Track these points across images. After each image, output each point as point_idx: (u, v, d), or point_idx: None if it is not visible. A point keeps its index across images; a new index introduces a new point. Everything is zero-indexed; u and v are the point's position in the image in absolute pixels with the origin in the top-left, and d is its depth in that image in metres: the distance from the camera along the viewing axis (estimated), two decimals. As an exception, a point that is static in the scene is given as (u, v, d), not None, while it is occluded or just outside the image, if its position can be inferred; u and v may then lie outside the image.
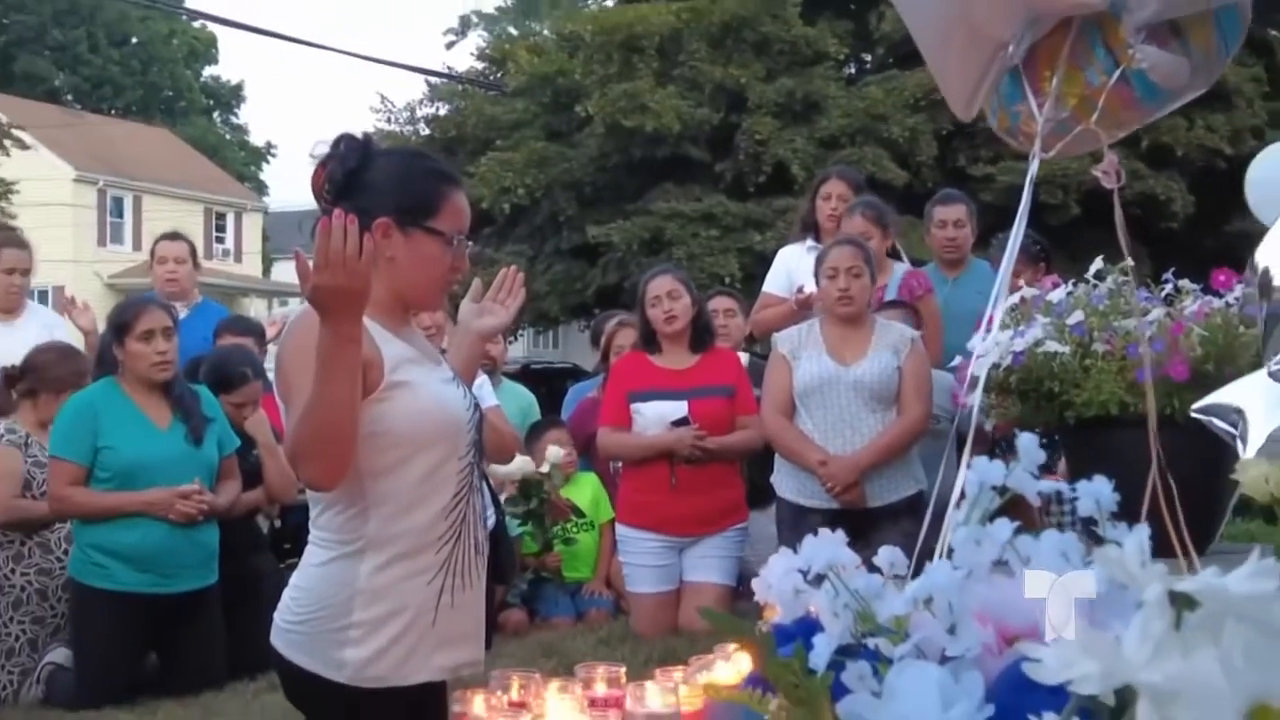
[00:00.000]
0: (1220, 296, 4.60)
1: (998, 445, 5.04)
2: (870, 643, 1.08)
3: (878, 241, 5.98)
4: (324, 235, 2.41)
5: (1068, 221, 14.53)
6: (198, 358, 5.85)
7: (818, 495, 5.05)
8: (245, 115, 53.72)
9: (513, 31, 33.89)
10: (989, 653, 1.03)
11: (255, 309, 29.08)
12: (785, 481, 5.33)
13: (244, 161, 48.94)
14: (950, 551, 1.11)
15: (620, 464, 5.95)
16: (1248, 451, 2.70)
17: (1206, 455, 3.37)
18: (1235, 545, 4.23)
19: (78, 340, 6.22)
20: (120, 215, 36.63)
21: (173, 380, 5.24)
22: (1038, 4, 2.44)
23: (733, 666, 2.01)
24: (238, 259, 38.81)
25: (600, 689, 1.90)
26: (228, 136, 50.08)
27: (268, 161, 51.73)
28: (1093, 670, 0.71)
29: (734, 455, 5.54)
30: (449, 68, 25.55)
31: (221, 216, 38.90)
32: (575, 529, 6.43)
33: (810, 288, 5.57)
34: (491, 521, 4.69)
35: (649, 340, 5.60)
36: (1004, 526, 1.11)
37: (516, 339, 20.18)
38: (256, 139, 52.44)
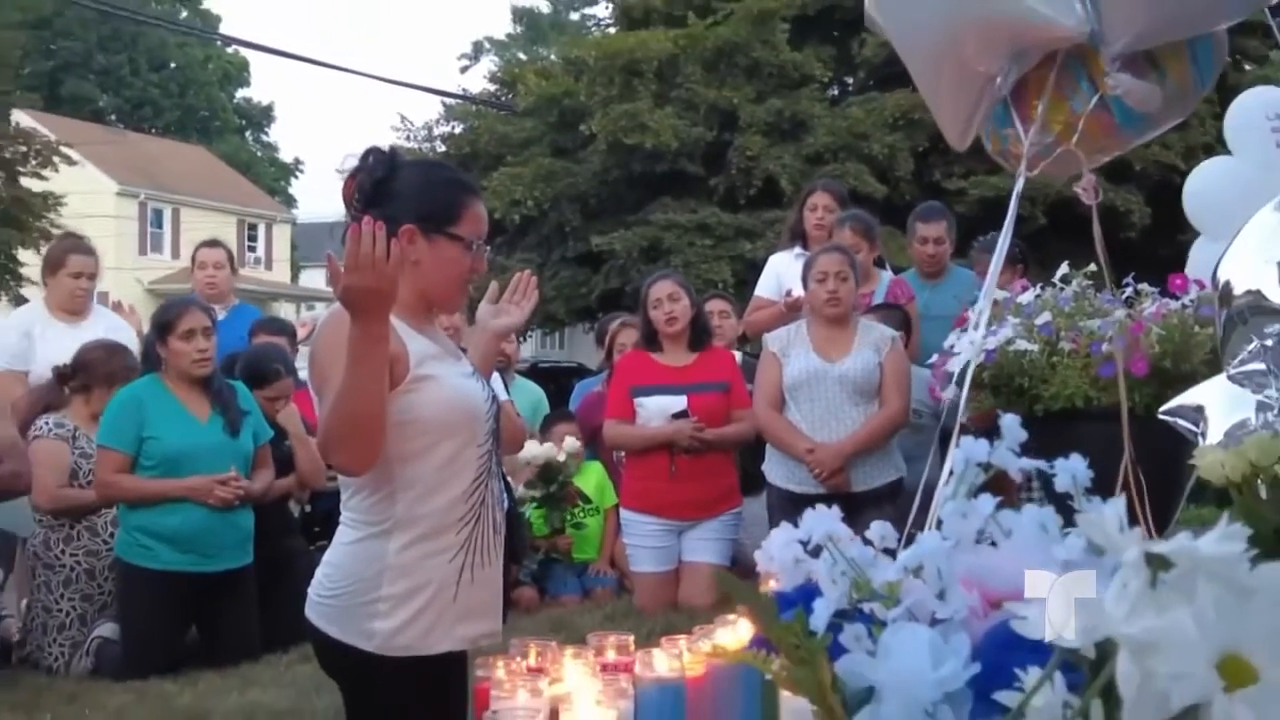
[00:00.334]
0: (1176, 299, 4.61)
1: (974, 436, 5.04)
2: (865, 607, 1.08)
3: (865, 253, 6.00)
4: (354, 240, 2.41)
5: (1035, 231, 14.53)
6: (234, 355, 5.86)
7: (806, 481, 5.06)
8: (275, 134, 53.89)
9: (522, 56, 33.86)
10: (975, 615, 1.03)
11: (284, 313, 28.99)
12: (776, 469, 5.35)
13: (274, 177, 48.91)
14: (939, 523, 1.11)
15: (624, 453, 5.95)
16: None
17: (1163, 445, 3.38)
18: (1189, 530, 4.23)
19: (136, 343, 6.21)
20: (160, 226, 36.60)
21: (211, 376, 5.24)
22: (1021, 39, 2.44)
23: (732, 635, 2.02)
24: (268, 267, 38.78)
25: (611, 655, 1.90)
26: (259, 153, 50.03)
27: (296, 177, 51.71)
28: (1074, 624, 0.72)
29: (729, 445, 5.55)
30: (463, 89, 25.53)
31: (253, 227, 38.88)
32: (582, 514, 6.45)
33: (798, 291, 5.58)
34: (505, 506, 4.71)
35: (650, 339, 5.62)
36: (987, 501, 1.12)
37: (526, 340, 20.15)
38: (285, 156, 52.45)
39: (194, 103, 46.69)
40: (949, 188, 15.42)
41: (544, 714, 1.62)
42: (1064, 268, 4.82)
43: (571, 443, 6.30)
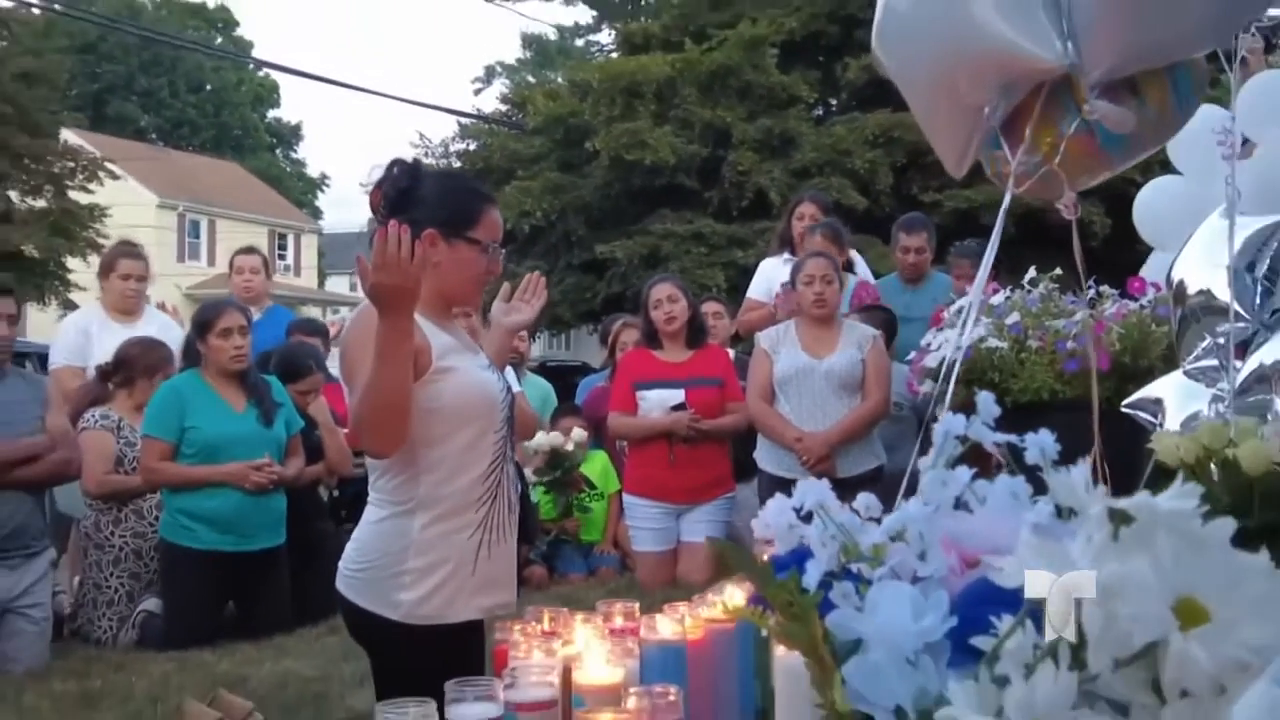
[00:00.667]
0: (1135, 300, 4.63)
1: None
2: (853, 568, 1.09)
3: (835, 256, 6.02)
4: (381, 242, 2.43)
5: (1006, 240, 14.32)
6: (268, 352, 5.86)
7: (794, 468, 5.06)
8: (303, 151, 53.84)
9: (531, 79, 33.81)
10: (953, 574, 1.04)
11: (311, 315, 29.02)
12: (766, 456, 5.36)
13: (302, 190, 48.86)
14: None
15: (626, 443, 5.96)
16: (1163, 433, 2.74)
17: (1122, 433, 3.40)
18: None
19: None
20: (197, 236, 36.58)
21: (247, 370, 5.25)
22: (1006, 71, 2.44)
23: (726, 602, 2.03)
24: (296, 273, 38.74)
25: (618, 621, 1.91)
26: (288, 169, 49.99)
27: (322, 191, 51.71)
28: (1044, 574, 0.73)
29: (723, 435, 5.55)
30: (477, 110, 25.49)
31: (283, 237, 38.84)
32: (588, 498, 6.46)
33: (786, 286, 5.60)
34: (519, 488, 4.72)
35: (651, 337, 5.62)
36: (964, 472, 1.13)
37: (535, 340, 20.15)
38: (312, 171, 52.41)
39: (228, 122, 46.67)
40: (925, 200, 15.39)
41: (557, 672, 1.63)
42: (1032, 272, 4.85)
43: (578, 433, 6.31)
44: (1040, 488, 1.14)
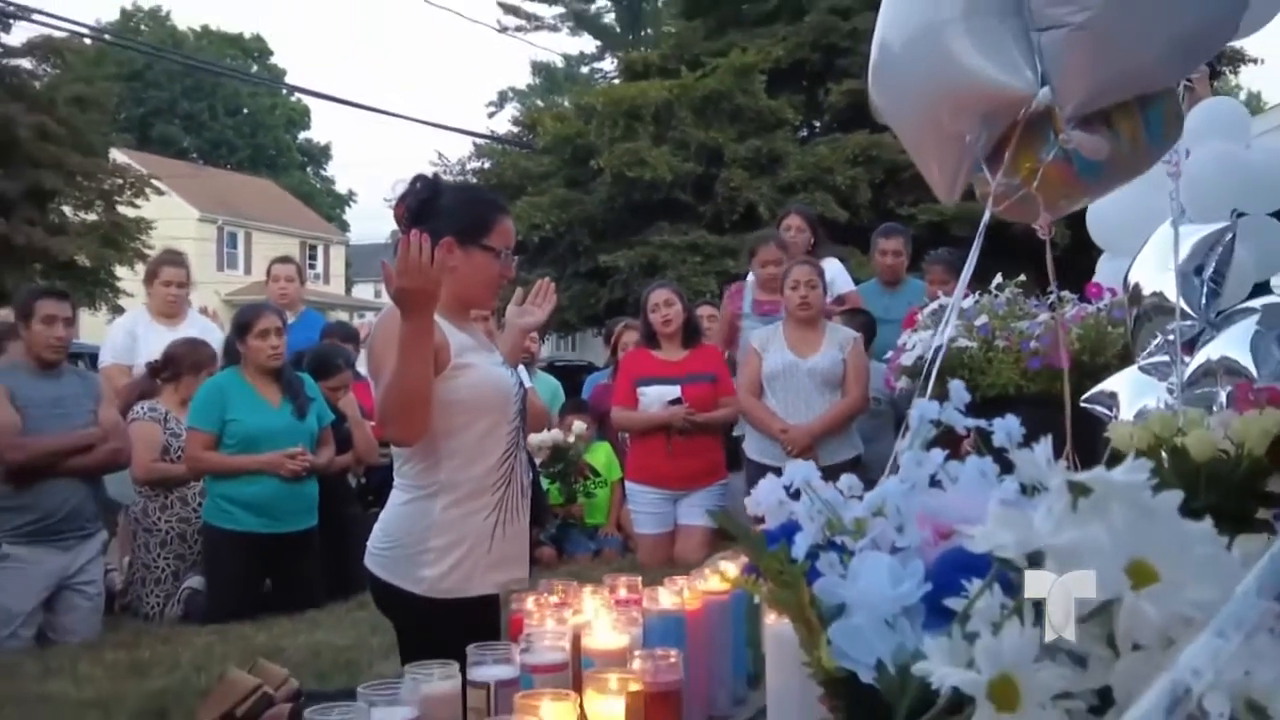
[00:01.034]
0: (1092, 303, 4.63)
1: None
2: (837, 540, 1.10)
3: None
4: (404, 250, 2.44)
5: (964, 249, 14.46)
6: (302, 352, 5.88)
7: (780, 457, 5.06)
8: (331, 169, 53.67)
9: (540, 103, 33.77)
10: (927, 545, 1.05)
11: (339, 319, 28.99)
12: (754, 445, 5.37)
13: (331, 206, 48.80)
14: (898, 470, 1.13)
15: (628, 434, 5.97)
16: (1118, 423, 2.74)
17: (1081, 424, 3.40)
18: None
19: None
20: (235, 247, 36.54)
21: (282, 368, 5.26)
22: (984, 103, 2.44)
23: (721, 575, 2.04)
24: (326, 281, 38.69)
25: (623, 593, 1.91)
26: (318, 186, 49.93)
27: (349, 206, 51.62)
28: (1010, 540, 0.74)
29: (716, 427, 5.56)
30: (491, 131, 25.50)
31: (313, 248, 38.80)
32: (593, 486, 6.46)
33: None
34: (531, 474, 4.73)
35: (650, 338, 5.63)
36: (938, 453, 1.14)
37: (544, 341, 20.19)
38: (340, 188, 52.33)
39: (263, 143, 46.63)
40: (901, 213, 15.35)
41: (568, 638, 1.64)
42: (998, 279, 4.85)
43: (579, 425, 6.33)
44: (1007, 468, 1.15)
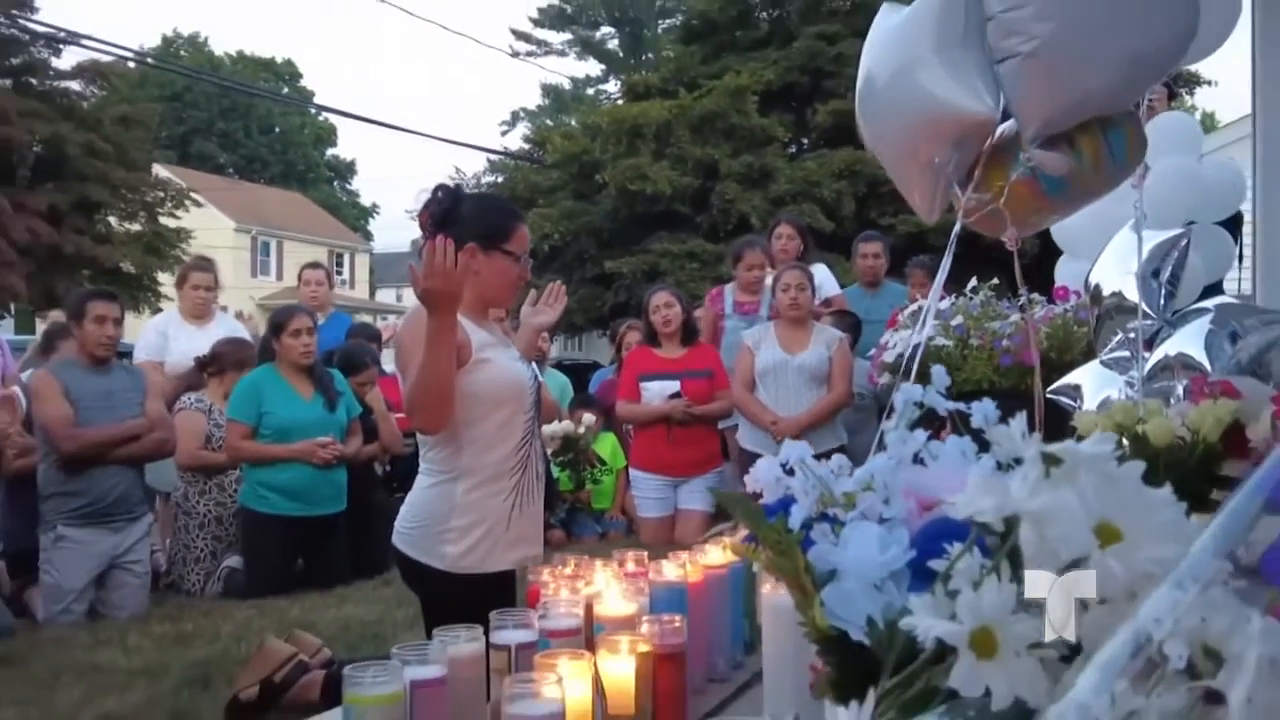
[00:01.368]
0: (1060, 305, 4.64)
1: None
2: (829, 512, 1.11)
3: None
4: (429, 254, 2.45)
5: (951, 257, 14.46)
6: (332, 350, 5.89)
7: (771, 447, 5.08)
8: (356, 183, 53.54)
9: (549, 123, 33.78)
10: (911, 516, 1.06)
11: (364, 321, 28.95)
12: (746, 436, 5.38)
13: (356, 217, 48.79)
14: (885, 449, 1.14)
15: (632, 426, 5.98)
16: (1082, 414, 2.75)
17: (1048, 415, 3.41)
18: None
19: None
20: (267, 255, 36.55)
21: (314, 365, 5.28)
22: (952, 128, 2.45)
23: (720, 551, 2.05)
24: (351, 286, 38.69)
25: (630, 566, 1.93)
26: (344, 199, 49.91)
27: (373, 217, 51.56)
28: (989, 505, 0.75)
29: (712, 419, 5.57)
30: (504, 148, 25.54)
31: (340, 256, 38.80)
32: (600, 473, 6.47)
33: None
34: (545, 460, 4.75)
35: (651, 337, 5.64)
36: (921, 434, 1.15)
37: (553, 341, 20.19)
38: (364, 200, 52.28)
39: (293, 159, 46.64)
40: (882, 223, 15.36)
41: (581, 606, 1.65)
42: (973, 283, 4.86)
43: (588, 417, 6.35)
44: (984, 447, 1.17)
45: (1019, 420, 0.85)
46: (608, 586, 1.75)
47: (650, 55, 33.03)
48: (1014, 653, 0.72)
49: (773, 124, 18.01)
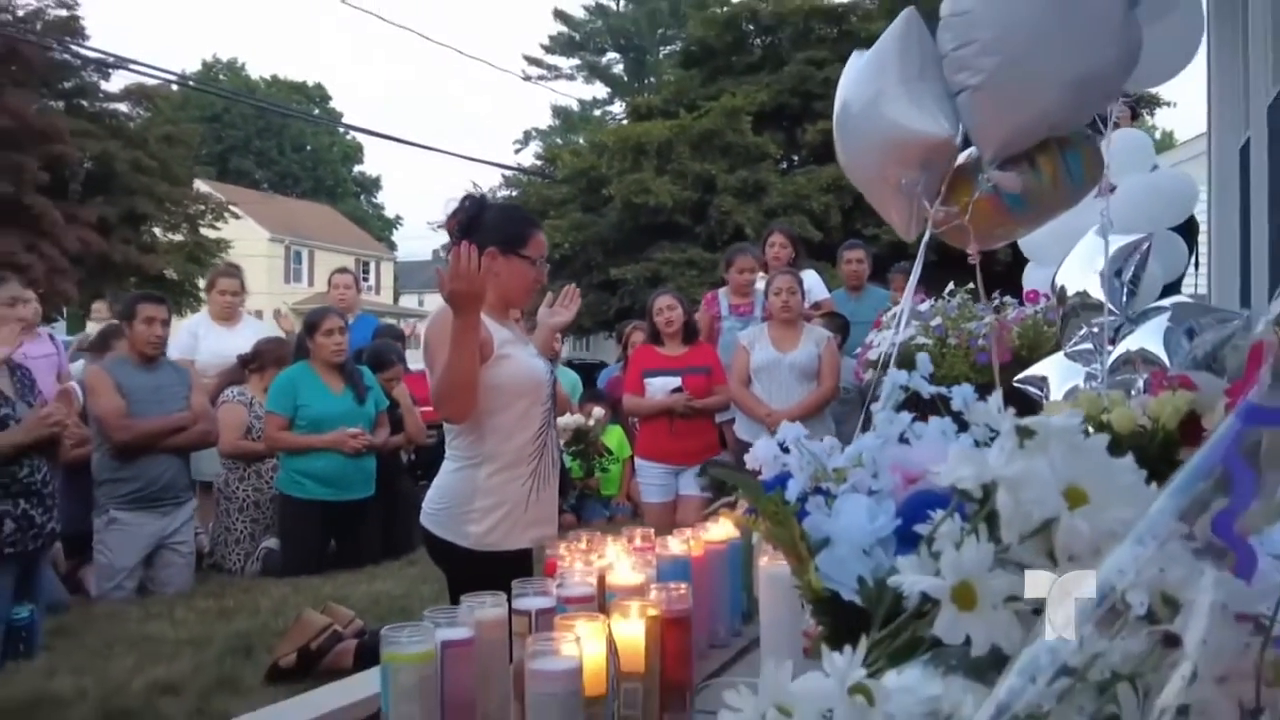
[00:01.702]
0: (1030, 307, 4.66)
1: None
2: (823, 485, 1.13)
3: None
4: (455, 258, 2.47)
5: (930, 264, 14.37)
6: (361, 348, 5.91)
7: (764, 436, 5.09)
8: (381, 197, 53.58)
9: (559, 141, 33.78)
10: (897, 489, 1.08)
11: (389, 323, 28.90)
12: (742, 427, 5.38)
13: (381, 228, 48.79)
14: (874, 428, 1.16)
15: (637, 418, 5.98)
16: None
17: (1017, 406, 3.41)
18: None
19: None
20: (299, 263, 36.57)
21: (344, 362, 5.30)
22: (918, 151, 2.47)
23: (720, 529, 2.07)
24: (377, 292, 38.70)
25: (639, 541, 1.94)
26: (370, 211, 49.90)
27: (396, 228, 51.56)
28: (969, 473, 0.77)
29: (711, 412, 5.57)
30: (518, 164, 25.54)
31: (366, 264, 38.81)
32: (608, 462, 6.49)
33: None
34: (560, 448, 4.76)
35: (655, 337, 5.62)
36: (906, 415, 1.17)
37: (563, 343, 20.18)
38: (389, 213, 52.32)
39: (323, 175, 46.68)
40: (866, 234, 15.32)
41: (594, 576, 1.67)
42: (950, 286, 4.88)
43: (598, 411, 6.36)
44: (963, 428, 1.19)
45: (995, 397, 0.88)
46: (619, 559, 1.76)
47: (652, 79, 33.01)
48: (991, 605, 0.73)
49: (766, 142, 18.01)
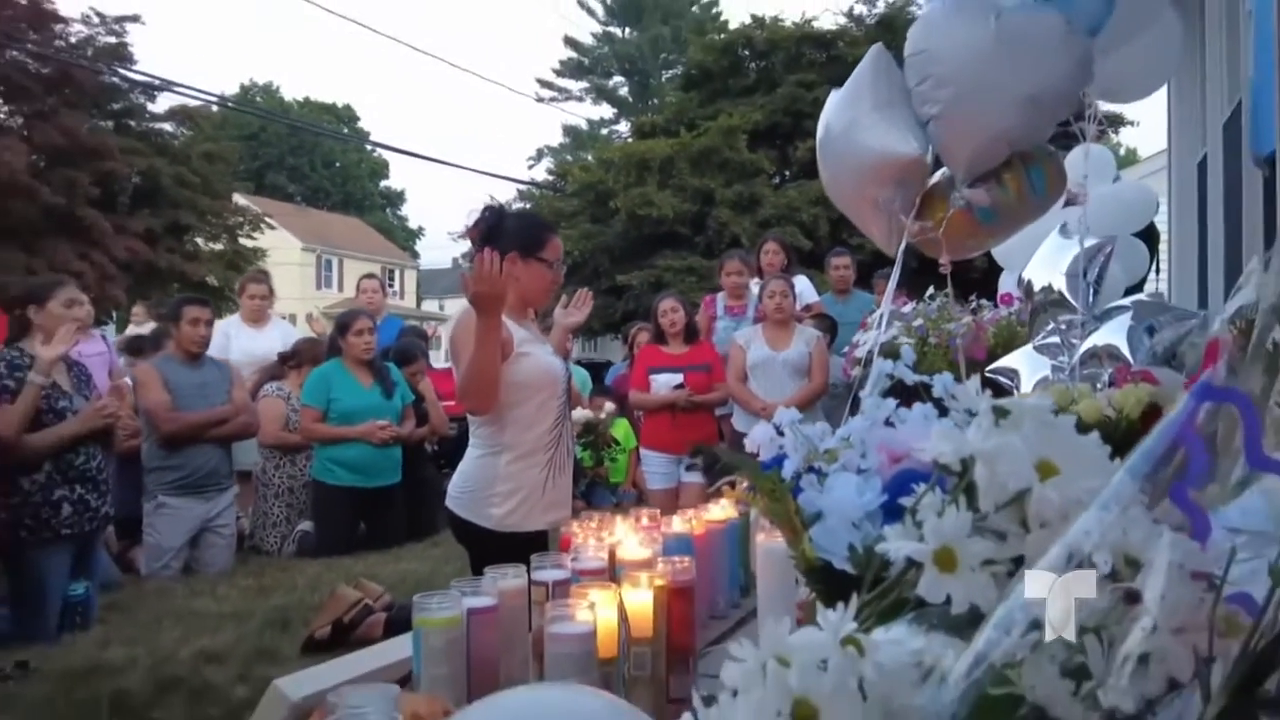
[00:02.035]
0: (1005, 309, 4.66)
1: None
2: (815, 464, 1.14)
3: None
4: (479, 263, 2.48)
5: (911, 269, 14.40)
6: (387, 347, 5.93)
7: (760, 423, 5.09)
8: (406, 210, 53.68)
9: (569, 158, 33.77)
10: (884, 467, 1.09)
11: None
12: (739, 420, 5.39)
13: (405, 238, 48.80)
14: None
15: (642, 412, 6.00)
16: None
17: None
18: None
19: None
20: (329, 271, 36.59)
21: (373, 359, 5.32)
22: (892, 171, 2.49)
23: (719, 510, 2.08)
24: (401, 297, 38.65)
25: (645, 521, 1.96)
26: (395, 223, 49.91)
27: (419, 238, 51.56)
28: (950, 448, 0.79)
29: (711, 406, 5.58)
30: (531, 179, 25.55)
31: (391, 271, 38.80)
32: (615, 453, 6.50)
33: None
34: (574, 438, 4.77)
35: (659, 336, 5.64)
36: (891, 401, 1.18)
37: (573, 342, 20.17)
38: (412, 224, 52.34)
39: (351, 189, 46.71)
40: (853, 243, 15.26)
41: (605, 551, 1.68)
42: (930, 290, 4.88)
43: (609, 406, 6.37)
44: (943, 413, 1.20)
45: (973, 381, 0.89)
46: (627, 535, 1.78)
47: (655, 100, 33.00)
48: (970, 568, 0.75)
49: (760, 158, 18.01)
